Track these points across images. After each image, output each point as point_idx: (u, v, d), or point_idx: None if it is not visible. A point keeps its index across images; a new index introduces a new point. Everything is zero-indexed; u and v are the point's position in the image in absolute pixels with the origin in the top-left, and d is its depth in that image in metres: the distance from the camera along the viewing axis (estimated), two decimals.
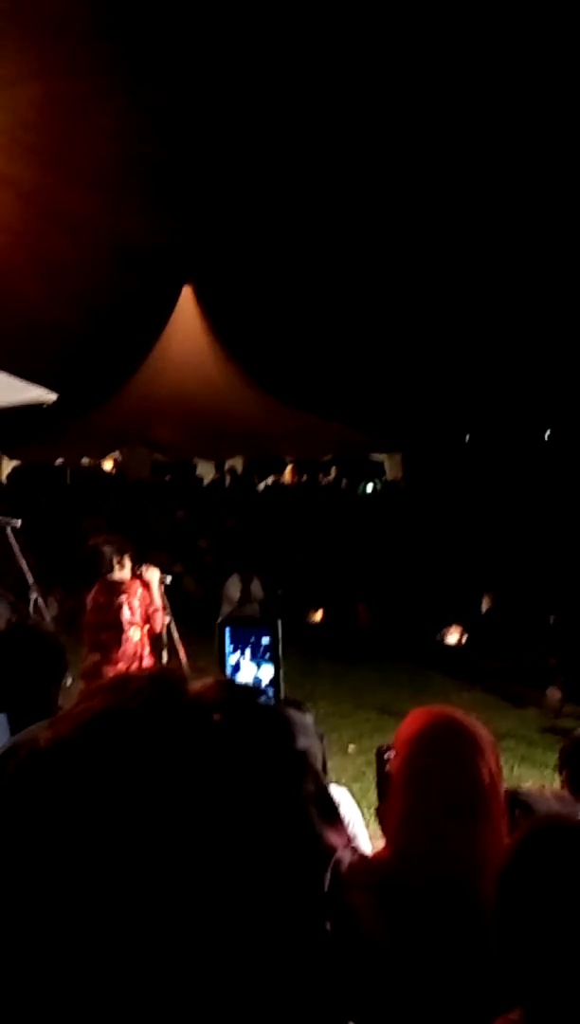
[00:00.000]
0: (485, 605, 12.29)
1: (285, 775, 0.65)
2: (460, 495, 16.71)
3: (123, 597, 6.59)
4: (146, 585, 6.79)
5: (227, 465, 20.21)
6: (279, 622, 2.51)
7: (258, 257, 27.32)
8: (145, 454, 18.34)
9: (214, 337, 20.82)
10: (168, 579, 7.22)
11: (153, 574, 6.87)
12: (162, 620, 6.96)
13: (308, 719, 3.18)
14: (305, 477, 20.80)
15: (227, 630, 2.54)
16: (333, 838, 0.68)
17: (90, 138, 23.12)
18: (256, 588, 12.39)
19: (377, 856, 2.08)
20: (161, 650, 7.28)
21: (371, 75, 26.51)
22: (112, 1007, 0.57)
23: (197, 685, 0.68)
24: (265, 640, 2.47)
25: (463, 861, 1.88)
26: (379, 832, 2.24)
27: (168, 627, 7.31)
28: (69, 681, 3.39)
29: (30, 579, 7.37)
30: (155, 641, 7.05)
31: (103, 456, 19.56)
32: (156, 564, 7.16)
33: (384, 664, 11.01)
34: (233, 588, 12.33)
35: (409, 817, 1.97)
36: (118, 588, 6.63)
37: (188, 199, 26.75)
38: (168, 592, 7.17)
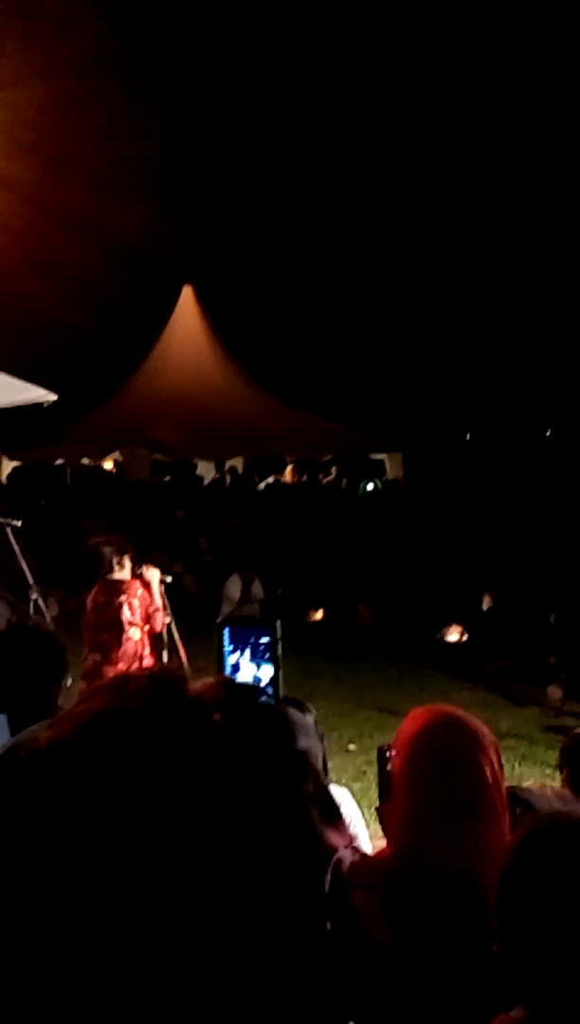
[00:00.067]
0: (486, 604, 12.29)
1: (285, 775, 0.65)
2: (461, 494, 16.71)
3: (123, 597, 6.59)
4: (146, 585, 6.79)
5: (227, 465, 20.21)
6: (278, 622, 2.50)
7: (258, 257, 27.33)
8: (145, 454, 18.35)
9: (214, 337, 20.84)
10: (168, 579, 7.22)
11: (153, 574, 6.87)
12: (162, 620, 6.96)
13: (309, 719, 3.18)
14: (305, 477, 20.80)
15: (226, 630, 2.53)
16: (334, 838, 0.68)
17: (91, 138, 23.14)
18: (256, 588, 12.39)
19: (379, 855, 2.08)
20: (161, 650, 7.29)
21: (372, 77, 26.52)
22: (113, 1007, 0.57)
23: (197, 685, 0.68)
24: (264, 640, 2.47)
25: (466, 859, 1.88)
26: (380, 831, 2.24)
27: (168, 627, 7.31)
28: (69, 681, 3.39)
29: (30, 579, 7.38)
30: (155, 641, 7.05)
31: (103, 456, 19.56)
32: (156, 564, 7.16)
33: (384, 663, 11.01)
34: (233, 588, 12.33)
35: (412, 816, 1.97)
36: (118, 588, 6.64)
37: (189, 199, 26.76)
38: (168, 592, 7.17)
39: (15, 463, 19.36)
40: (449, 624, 11.98)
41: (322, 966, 0.63)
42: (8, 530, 7.29)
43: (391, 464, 20.65)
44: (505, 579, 12.42)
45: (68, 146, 22.42)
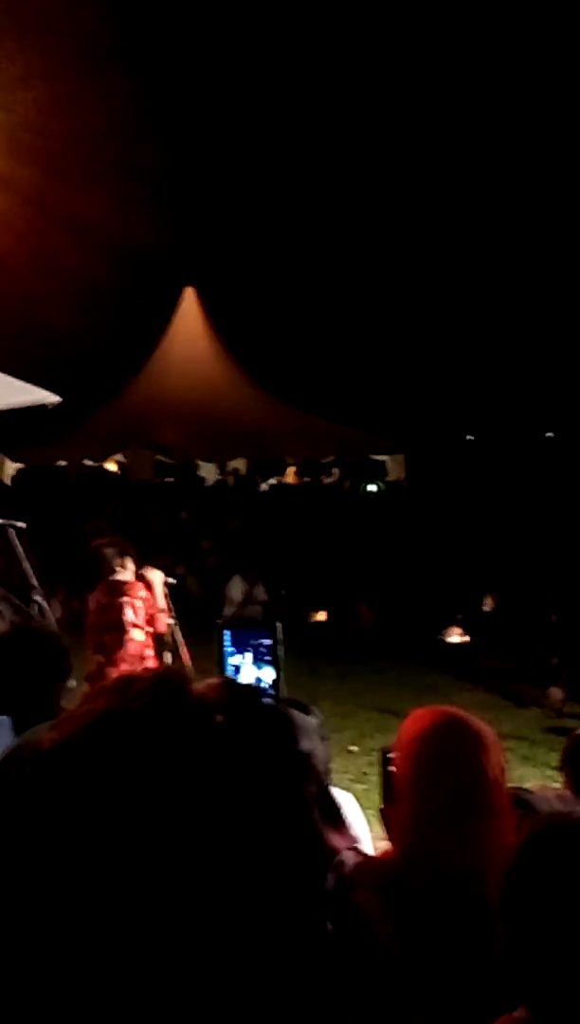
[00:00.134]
0: (487, 605, 12.28)
1: (287, 776, 0.65)
2: (462, 495, 16.70)
3: (126, 598, 6.59)
4: (149, 586, 6.79)
5: (230, 466, 20.22)
6: (279, 624, 2.51)
7: (260, 258, 27.32)
8: (148, 456, 18.34)
9: (216, 338, 20.83)
10: (171, 580, 7.22)
11: (156, 575, 6.88)
12: (165, 621, 6.96)
13: (313, 721, 3.18)
14: (308, 478, 20.79)
15: (227, 633, 2.54)
16: (336, 839, 0.68)
17: (93, 140, 23.15)
18: (258, 589, 12.40)
19: (383, 857, 2.08)
20: (164, 651, 7.28)
21: (372, 80, 26.51)
22: (115, 1006, 0.57)
23: (200, 686, 0.68)
24: (265, 642, 2.47)
25: (472, 860, 1.88)
26: (382, 833, 2.24)
27: (171, 628, 7.31)
28: (73, 683, 3.39)
29: (33, 581, 7.36)
30: (158, 642, 7.05)
31: (106, 458, 19.55)
32: (159, 565, 7.17)
33: (386, 664, 11.00)
34: (236, 589, 12.34)
35: (416, 817, 1.96)
36: (121, 589, 6.64)
37: (191, 200, 26.76)
38: (171, 593, 7.17)
39: (19, 465, 19.36)
40: (450, 625, 11.97)
41: (322, 966, 0.64)
42: (11, 531, 7.28)
43: (393, 466, 20.64)
44: (506, 580, 12.42)
45: (70, 147, 22.43)
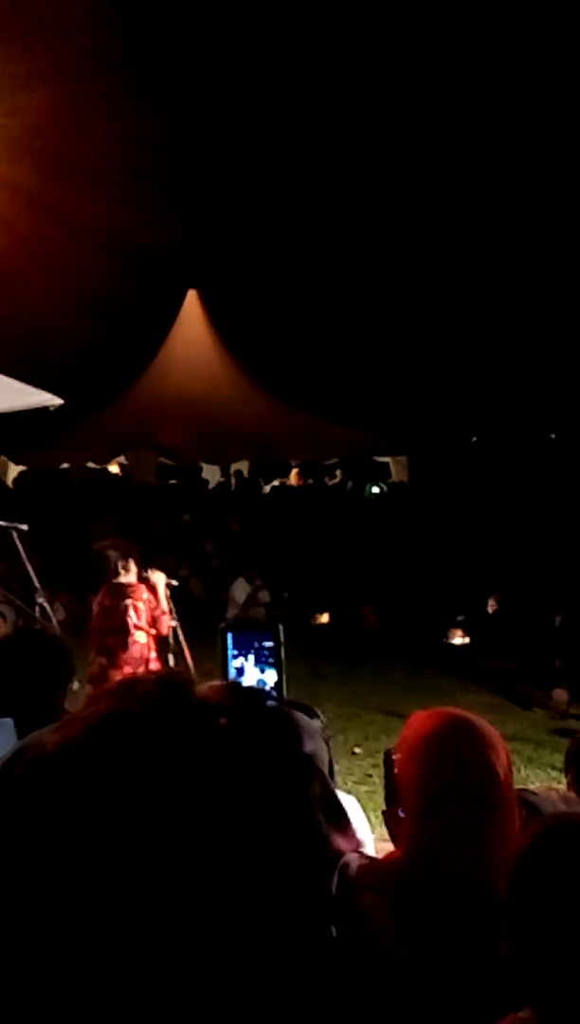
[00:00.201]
0: (491, 606, 12.28)
1: (291, 778, 0.65)
2: (465, 497, 16.70)
3: (129, 601, 6.60)
4: (152, 589, 6.80)
5: (233, 468, 20.22)
6: (281, 626, 2.50)
7: (263, 261, 27.35)
8: (151, 458, 18.34)
9: (219, 341, 20.84)
10: (174, 583, 7.23)
11: (159, 578, 6.88)
12: (168, 624, 6.96)
13: (316, 723, 3.18)
14: (311, 480, 20.80)
15: (229, 635, 2.53)
16: (340, 841, 0.68)
17: (95, 142, 23.17)
18: (262, 591, 12.40)
19: (389, 858, 2.08)
20: (167, 654, 7.29)
21: (374, 81, 26.53)
22: (117, 1006, 0.57)
23: (204, 689, 0.68)
24: (268, 644, 2.47)
25: (479, 860, 1.88)
26: (386, 835, 2.24)
27: (174, 631, 7.31)
28: (76, 685, 3.39)
29: (36, 583, 7.38)
30: (161, 645, 7.05)
31: (109, 460, 19.56)
32: (162, 568, 7.17)
33: (389, 666, 11.00)
34: (239, 591, 12.34)
35: (423, 818, 1.96)
36: (124, 592, 6.64)
37: (193, 202, 26.81)
38: (174, 595, 7.17)
39: (21, 467, 19.38)
40: (454, 627, 11.97)
41: (325, 967, 0.64)
42: (14, 534, 7.29)
43: (396, 467, 20.64)
44: (510, 582, 12.41)
45: (72, 150, 22.47)
